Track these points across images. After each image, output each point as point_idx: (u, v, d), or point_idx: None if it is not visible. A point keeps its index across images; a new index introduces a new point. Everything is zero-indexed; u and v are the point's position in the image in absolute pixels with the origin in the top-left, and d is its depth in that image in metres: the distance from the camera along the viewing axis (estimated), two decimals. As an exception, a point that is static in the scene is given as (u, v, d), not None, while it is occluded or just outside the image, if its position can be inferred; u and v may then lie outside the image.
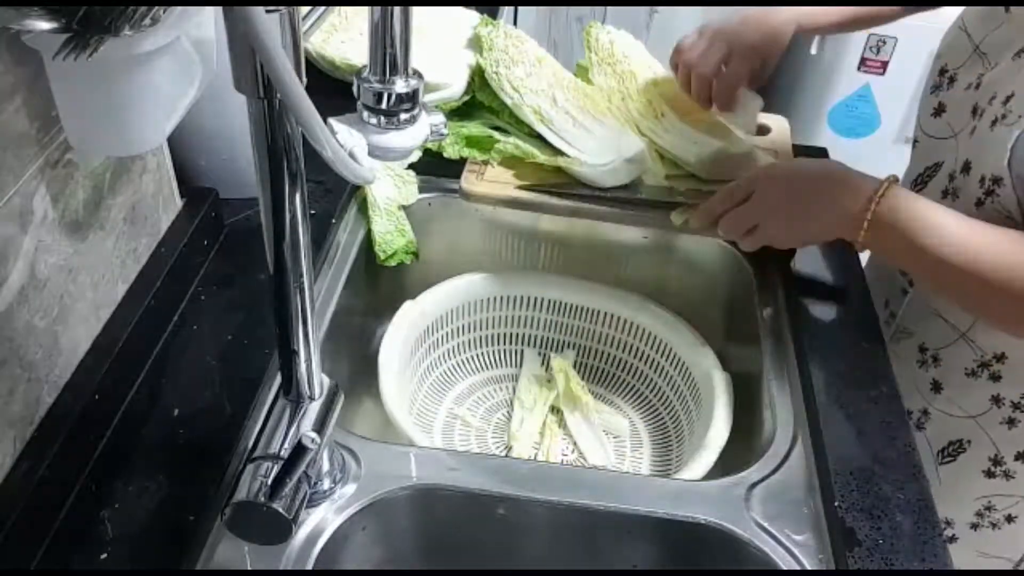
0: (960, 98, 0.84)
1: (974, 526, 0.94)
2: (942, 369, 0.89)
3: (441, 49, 1.08)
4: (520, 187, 0.97)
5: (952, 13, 0.94)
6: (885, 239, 0.76)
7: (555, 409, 1.02)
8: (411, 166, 1.03)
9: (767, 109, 1.05)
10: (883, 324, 0.92)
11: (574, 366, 1.07)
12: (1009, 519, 0.92)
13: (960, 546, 0.96)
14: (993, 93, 0.79)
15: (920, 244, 0.73)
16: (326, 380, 0.63)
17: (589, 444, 0.98)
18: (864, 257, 0.96)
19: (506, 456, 0.96)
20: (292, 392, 0.62)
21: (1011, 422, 0.86)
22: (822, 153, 1.15)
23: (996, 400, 0.86)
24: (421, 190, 1.02)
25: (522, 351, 1.09)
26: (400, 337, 0.92)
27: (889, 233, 0.75)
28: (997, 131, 0.77)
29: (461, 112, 1.06)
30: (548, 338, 1.08)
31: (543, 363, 1.08)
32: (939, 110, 0.87)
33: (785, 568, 0.67)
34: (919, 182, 0.89)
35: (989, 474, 0.90)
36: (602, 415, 1.02)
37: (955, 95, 0.85)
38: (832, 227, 0.79)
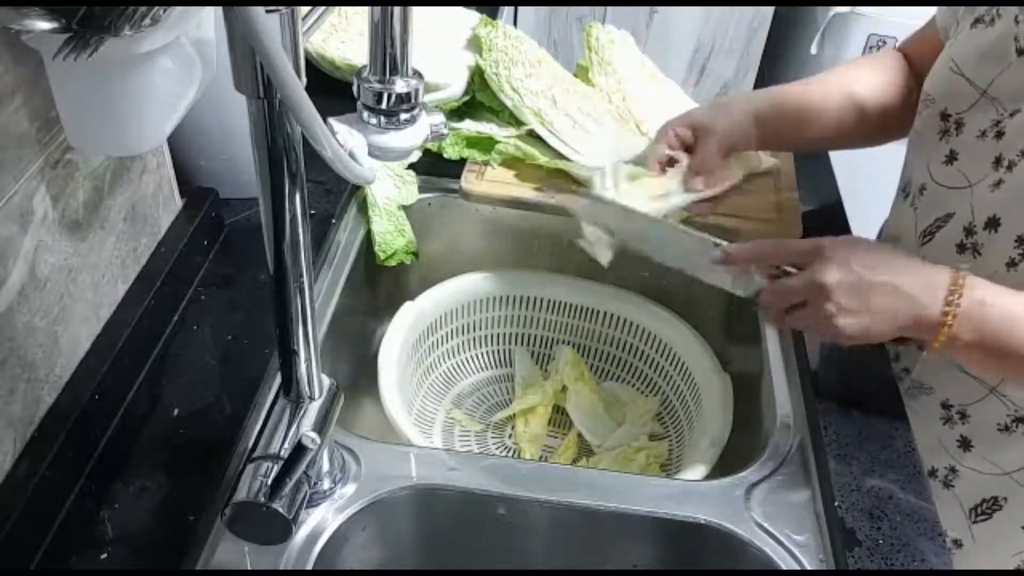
0: (974, 146, 0.78)
1: None
2: (971, 426, 0.83)
3: (441, 49, 1.08)
4: (520, 187, 0.97)
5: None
6: (970, 343, 0.67)
7: (557, 408, 1.02)
8: (411, 166, 1.03)
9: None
10: (895, 377, 0.86)
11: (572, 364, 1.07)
12: None
13: None
14: None
15: (1018, 345, 0.66)
16: (326, 380, 0.63)
17: (596, 434, 0.98)
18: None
19: (508, 456, 0.96)
20: (292, 392, 0.62)
21: None
22: (822, 154, 1.15)
23: None
24: (421, 190, 1.02)
25: (520, 351, 1.09)
26: (400, 337, 0.92)
27: (974, 336, 0.67)
28: None
29: (461, 112, 1.06)
30: (548, 338, 1.08)
31: (537, 362, 1.08)
32: (951, 157, 0.81)
33: (785, 568, 0.67)
34: (927, 233, 0.84)
35: None
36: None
37: (966, 142, 0.79)
38: (907, 327, 0.69)
